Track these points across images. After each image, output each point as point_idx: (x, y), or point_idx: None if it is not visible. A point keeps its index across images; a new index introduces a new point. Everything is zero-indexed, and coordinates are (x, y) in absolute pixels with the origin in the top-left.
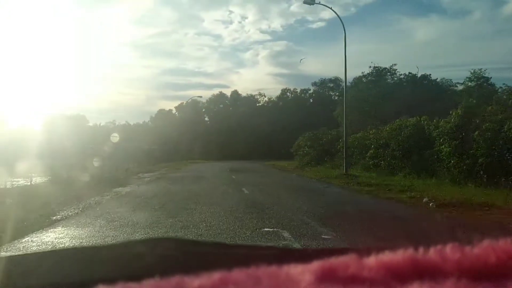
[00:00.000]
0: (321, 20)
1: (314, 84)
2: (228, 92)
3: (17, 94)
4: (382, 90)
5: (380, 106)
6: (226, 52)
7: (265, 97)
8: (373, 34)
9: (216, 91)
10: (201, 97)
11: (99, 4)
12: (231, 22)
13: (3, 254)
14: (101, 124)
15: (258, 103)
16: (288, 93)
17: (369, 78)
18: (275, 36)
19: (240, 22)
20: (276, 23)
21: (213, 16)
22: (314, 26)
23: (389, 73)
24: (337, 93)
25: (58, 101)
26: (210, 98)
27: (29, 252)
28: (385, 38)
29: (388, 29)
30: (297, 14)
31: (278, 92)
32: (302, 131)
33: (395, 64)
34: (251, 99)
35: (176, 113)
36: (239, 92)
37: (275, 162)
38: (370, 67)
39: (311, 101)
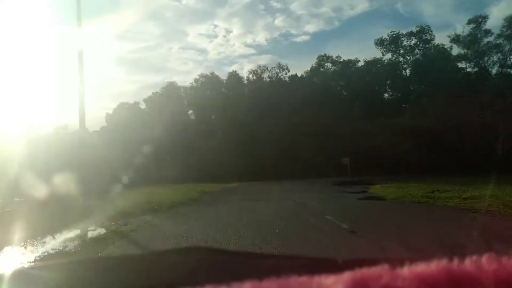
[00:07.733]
0: (305, 33)
1: (380, 43)
2: (223, 75)
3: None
4: None
5: None
6: (211, 66)
7: (288, 71)
8: (357, 47)
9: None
10: None
11: (82, 20)
12: (215, 36)
13: (22, 268)
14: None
15: (278, 79)
16: (329, 62)
17: None
18: (260, 49)
19: (225, 36)
20: (261, 37)
21: (197, 30)
22: (299, 39)
23: None
24: (414, 56)
25: (41, 117)
26: (195, 80)
27: (60, 262)
28: (369, 51)
29: (372, 42)
30: (282, 28)
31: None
32: (368, 120)
33: None
34: (260, 79)
35: (146, 108)
36: (240, 75)
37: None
38: None
39: (365, 78)
